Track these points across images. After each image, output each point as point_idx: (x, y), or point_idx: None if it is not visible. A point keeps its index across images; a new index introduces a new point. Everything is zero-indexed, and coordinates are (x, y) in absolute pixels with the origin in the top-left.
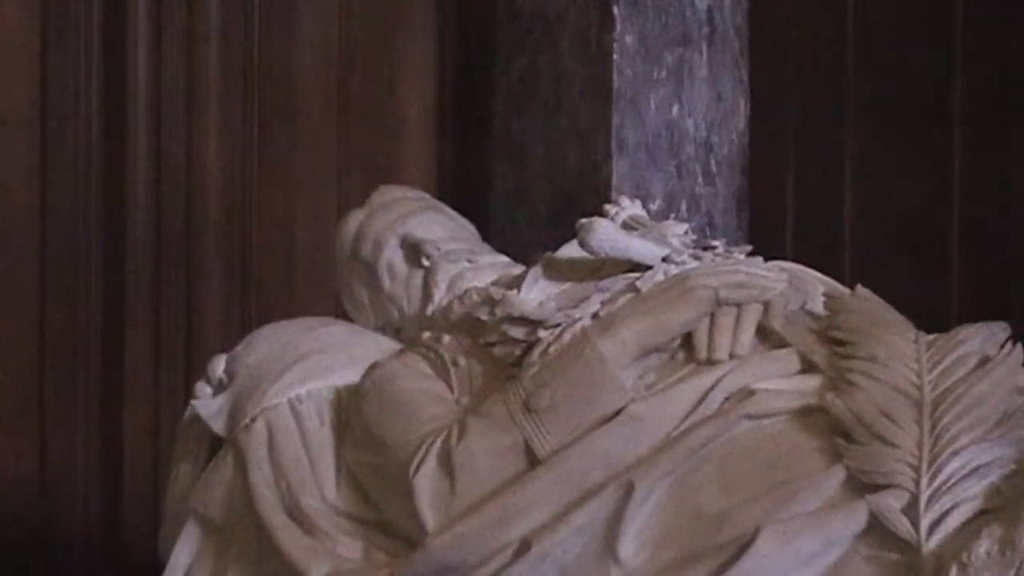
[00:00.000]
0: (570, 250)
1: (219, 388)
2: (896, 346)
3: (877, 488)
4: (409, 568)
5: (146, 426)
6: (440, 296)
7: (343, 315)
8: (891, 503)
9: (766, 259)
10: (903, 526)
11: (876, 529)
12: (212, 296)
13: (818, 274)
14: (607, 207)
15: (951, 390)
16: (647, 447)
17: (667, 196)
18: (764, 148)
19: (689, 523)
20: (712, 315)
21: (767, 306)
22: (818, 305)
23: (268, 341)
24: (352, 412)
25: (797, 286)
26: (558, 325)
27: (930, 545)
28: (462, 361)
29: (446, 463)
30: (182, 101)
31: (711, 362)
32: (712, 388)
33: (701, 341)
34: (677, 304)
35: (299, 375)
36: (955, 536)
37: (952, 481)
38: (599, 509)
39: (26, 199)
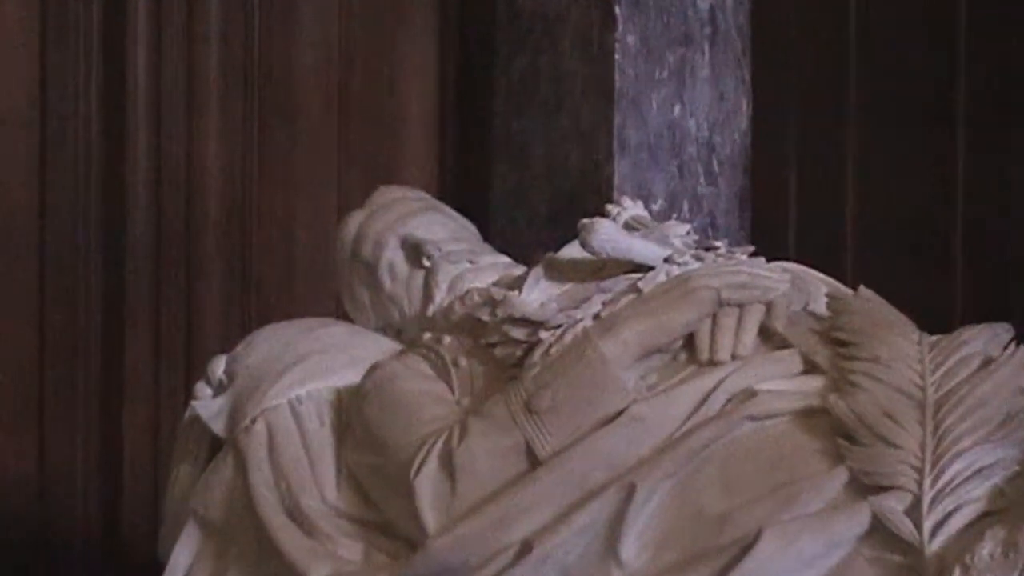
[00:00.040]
0: (571, 251)
1: (219, 389)
2: (899, 347)
3: (880, 490)
4: (410, 569)
5: (146, 426)
6: (441, 297)
7: (344, 316)
8: (894, 505)
9: (768, 259)
10: (906, 528)
11: (879, 531)
12: (212, 296)
13: (820, 275)
14: (609, 207)
15: (954, 391)
16: (649, 448)
17: (669, 196)
18: (766, 148)
19: (691, 524)
20: (714, 316)
21: (769, 307)
22: (820, 306)
23: (268, 342)
24: (353, 413)
25: (799, 287)
26: (559, 326)
27: (933, 547)
28: (463, 362)
29: (447, 464)
30: (182, 101)
31: (713, 363)
32: (714, 389)
33: (703, 342)
34: (679, 305)
35: (299, 376)
36: (958, 538)
37: (955, 483)
38: (601, 510)
39: (26, 199)
